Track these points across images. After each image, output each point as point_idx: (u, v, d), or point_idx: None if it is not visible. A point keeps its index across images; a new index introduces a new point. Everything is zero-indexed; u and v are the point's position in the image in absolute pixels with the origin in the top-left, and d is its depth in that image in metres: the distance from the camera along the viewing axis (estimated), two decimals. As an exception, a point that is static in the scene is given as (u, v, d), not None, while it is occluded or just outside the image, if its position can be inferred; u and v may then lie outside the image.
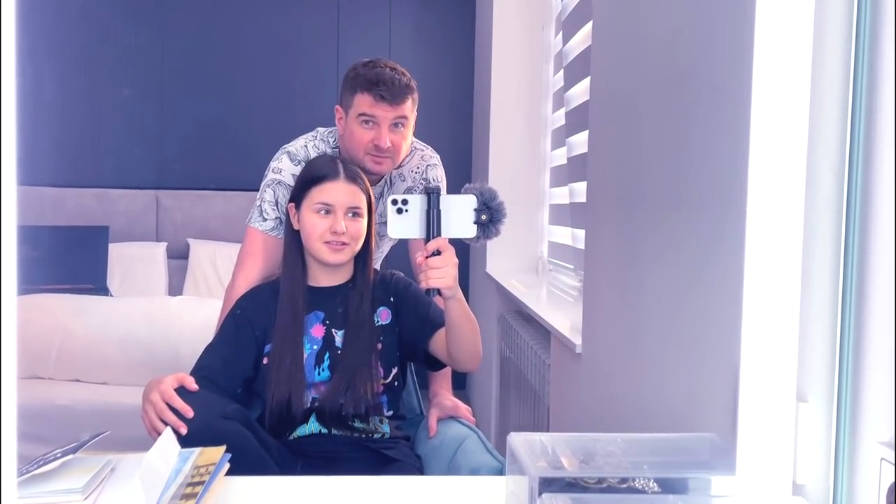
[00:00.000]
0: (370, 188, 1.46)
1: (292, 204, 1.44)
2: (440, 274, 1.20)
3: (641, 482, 0.67)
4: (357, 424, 1.37)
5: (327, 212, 1.39)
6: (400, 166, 1.70)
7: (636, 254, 1.22)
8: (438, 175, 1.74)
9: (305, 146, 1.66)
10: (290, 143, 1.69)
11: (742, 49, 0.83)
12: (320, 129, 1.72)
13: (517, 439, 0.74)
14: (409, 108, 1.58)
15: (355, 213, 1.40)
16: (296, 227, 1.44)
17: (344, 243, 1.39)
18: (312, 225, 1.39)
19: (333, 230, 1.37)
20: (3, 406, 0.49)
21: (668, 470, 0.67)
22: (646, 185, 1.18)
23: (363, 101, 1.55)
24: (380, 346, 1.42)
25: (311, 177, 1.42)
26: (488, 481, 1.04)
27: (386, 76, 1.54)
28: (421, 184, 1.70)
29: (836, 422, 0.63)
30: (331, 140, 1.69)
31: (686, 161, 1.01)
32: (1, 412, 0.47)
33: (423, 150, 1.74)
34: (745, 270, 0.61)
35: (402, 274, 1.54)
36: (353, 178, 1.42)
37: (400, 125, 1.57)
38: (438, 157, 1.77)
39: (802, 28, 0.62)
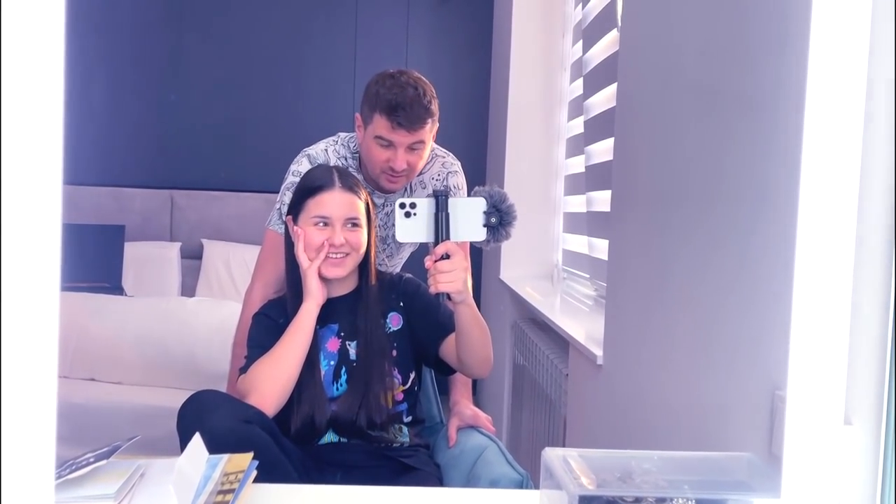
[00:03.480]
0: (369, 196, 1.44)
1: (290, 217, 1.40)
2: (449, 278, 1.19)
3: (680, 502, 0.66)
4: (374, 433, 1.36)
5: (325, 224, 1.36)
6: (421, 173, 1.69)
7: (665, 264, 1.21)
8: (459, 182, 1.73)
9: (326, 150, 1.66)
10: (311, 147, 1.68)
11: (781, 60, 0.83)
12: (342, 134, 1.71)
13: (552, 454, 0.73)
14: (428, 131, 1.55)
15: (353, 224, 1.37)
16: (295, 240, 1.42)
17: (345, 254, 1.36)
18: (310, 238, 1.35)
19: (332, 242, 1.34)
20: (41, 414, 0.48)
21: (709, 490, 0.66)
22: (677, 194, 1.17)
23: (381, 124, 1.51)
24: (395, 352, 1.41)
25: (306, 188, 1.39)
26: (512, 495, 1.03)
27: (406, 99, 1.49)
28: (450, 192, 1.69)
29: (884, 446, 0.62)
30: (351, 145, 1.68)
31: (721, 171, 1.00)
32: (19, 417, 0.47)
33: (444, 157, 1.73)
34: (794, 291, 0.60)
35: (412, 276, 1.52)
36: (349, 187, 1.38)
37: (417, 148, 1.55)
38: (459, 163, 1.76)
39: (857, 44, 0.61)
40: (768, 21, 0.88)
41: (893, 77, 0.65)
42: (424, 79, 1.57)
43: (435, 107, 1.55)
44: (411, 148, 1.54)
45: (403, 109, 1.49)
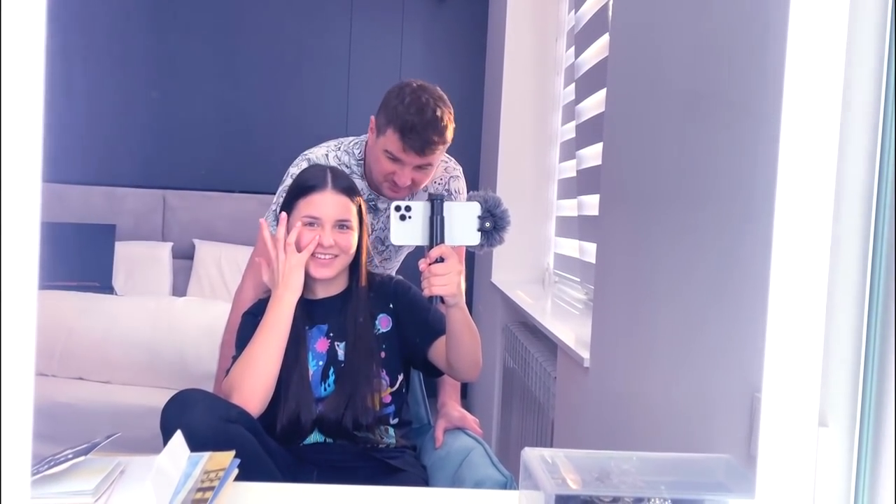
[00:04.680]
0: (361, 200, 1.43)
1: (284, 214, 1.40)
2: (443, 281, 1.19)
3: (657, 502, 0.67)
4: (360, 434, 1.36)
5: (314, 224, 1.36)
6: None
7: (650, 269, 1.21)
8: (460, 187, 1.72)
9: (326, 155, 1.63)
10: (312, 150, 1.65)
11: (764, 67, 0.83)
12: (344, 140, 1.68)
13: (532, 454, 0.73)
14: (438, 155, 1.53)
15: (344, 226, 1.37)
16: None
17: (334, 256, 1.36)
18: (300, 237, 1.35)
19: (320, 243, 1.34)
20: (17, 408, 0.48)
21: (685, 490, 0.66)
22: (663, 200, 1.17)
23: (392, 141, 1.49)
24: (383, 354, 1.41)
25: (299, 188, 1.39)
26: (494, 495, 1.04)
27: (422, 122, 1.46)
28: (445, 196, 1.68)
29: (858, 447, 0.62)
30: (356, 151, 1.65)
31: (706, 177, 1.00)
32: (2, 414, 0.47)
33: (446, 162, 1.72)
34: (770, 293, 0.60)
35: (402, 277, 1.53)
36: (342, 189, 1.38)
37: (425, 168, 1.53)
38: (461, 168, 1.75)
39: (834, 47, 0.62)
40: (751, 29, 0.88)
41: (873, 81, 0.65)
42: (446, 99, 1.53)
43: (449, 133, 1.52)
44: (418, 167, 1.53)
45: (417, 133, 1.46)
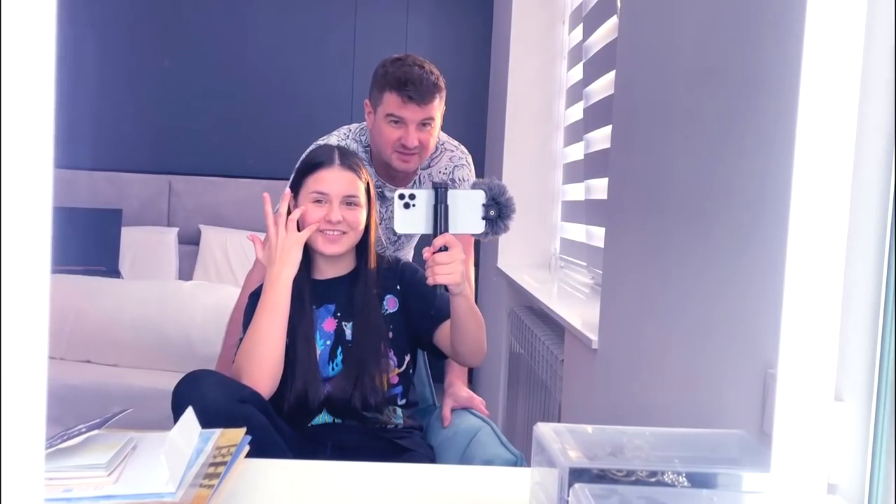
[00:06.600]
0: (369, 177, 1.43)
1: (288, 191, 1.40)
2: (447, 270, 1.19)
3: (671, 476, 0.66)
4: (369, 415, 1.37)
5: (322, 201, 1.36)
6: (429, 166, 1.71)
7: (660, 249, 1.21)
8: (465, 175, 1.74)
9: (338, 142, 1.67)
10: (324, 137, 1.69)
11: (780, 42, 0.82)
12: (353, 126, 1.73)
13: (544, 429, 0.73)
14: (437, 107, 1.60)
15: (352, 203, 1.37)
16: None
17: (342, 232, 1.36)
18: (308, 214, 1.35)
19: (328, 219, 1.34)
20: (32, 379, 0.48)
21: (700, 465, 0.66)
22: (674, 181, 1.17)
23: (391, 101, 1.56)
24: (390, 334, 1.41)
25: (307, 165, 1.39)
26: (506, 472, 1.04)
27: (414, 75, 1.55)
28: (449, 185, 1.70)
29: (875, 422, 0.62)
30: (363, 139, 1.69)
31: (718, 157, 0.99)
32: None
33: (452, 151, 1.74)
34: (786, 268, 0.60)
35: (409, 260, 1.53)
36: (349, 166, 1.38)
37: (428, 124, 1.59)
38: (469, 156, 1.77)
39: (854, 21, 0.61)
40: (768, 7, 0.87)
41: (891, 58, 0.64)
42: (428, 61, 1.62)
43: (442, 84, 1.60)
44: (422, 124, 1.58)
45: (413, 84, 1.54)
